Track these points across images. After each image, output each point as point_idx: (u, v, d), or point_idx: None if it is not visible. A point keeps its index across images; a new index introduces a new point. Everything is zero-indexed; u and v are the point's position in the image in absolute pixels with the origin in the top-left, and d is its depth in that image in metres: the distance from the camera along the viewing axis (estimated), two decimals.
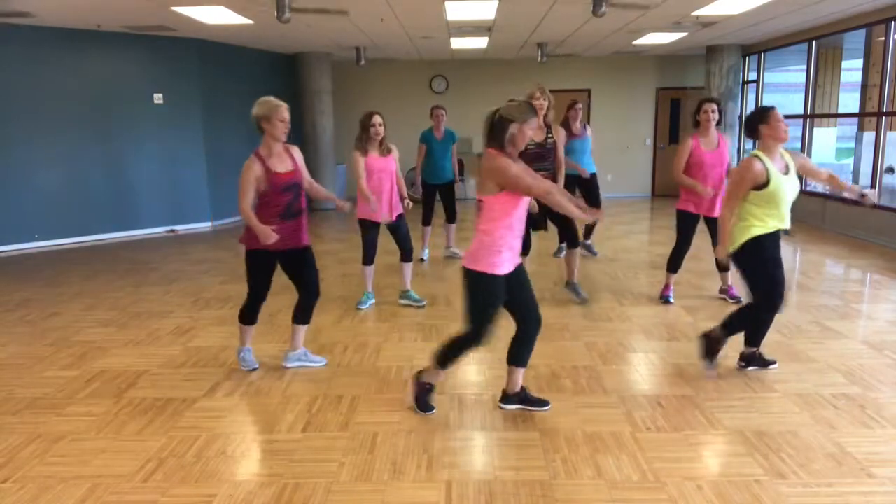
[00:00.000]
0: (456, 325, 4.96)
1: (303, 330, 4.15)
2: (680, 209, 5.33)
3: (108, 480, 2.85)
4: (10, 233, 8.26)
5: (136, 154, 9.20)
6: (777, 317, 5.00)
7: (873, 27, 8.81)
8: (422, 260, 7.25)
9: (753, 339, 3.98)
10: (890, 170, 10.28)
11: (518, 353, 3.42)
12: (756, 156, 3.68)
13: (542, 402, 3.51)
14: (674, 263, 5.47)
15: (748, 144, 12.13)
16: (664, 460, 2.96)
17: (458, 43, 10.37)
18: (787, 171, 3.71)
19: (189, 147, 9.66)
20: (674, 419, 3.37)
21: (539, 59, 10.98)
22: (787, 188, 3.66)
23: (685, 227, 5.33)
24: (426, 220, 7.30)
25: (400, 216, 5.39)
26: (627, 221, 10.16)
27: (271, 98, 3.82)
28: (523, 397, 3.49)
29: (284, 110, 3.78)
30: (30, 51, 8.18)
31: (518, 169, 3.06)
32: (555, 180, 5.11)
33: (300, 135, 11.24)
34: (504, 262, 3.13)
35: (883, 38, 8.79)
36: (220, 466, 2.96)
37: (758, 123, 3.70)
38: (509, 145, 3.09)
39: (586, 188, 7.14)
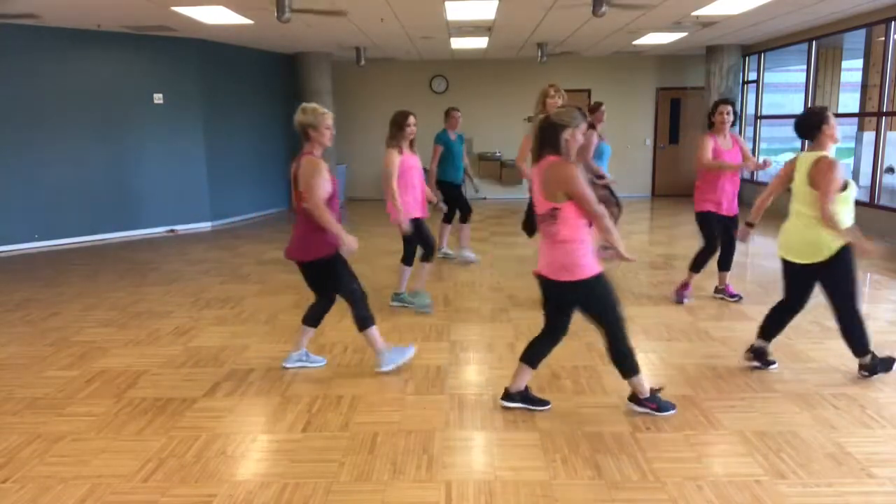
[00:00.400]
0: (457, 324, 4.97)
1: (310, 332, 4.15)
2: (701, 211, 5.32)
3: (108, 480, 2.85)
4: (10, 233, 8.26)
5: (137, 154, 9.20)
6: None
7: (873, 27, 8.81)
8: (450, 256, 7.25)
9: (864, 344, 3.86)
10: (890, 170, 10.28)
11: (536, 355, 3.46)
12: (832, 160, 3.59)
13: (543, 402, 3.51)
14: (699, 264, 5.42)
15: (749, 144, 12.13)
16: (664, 460, 2.96)
17: (458, 43, 10.37)
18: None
19: (189, 147, 9.66)
20: (674, 419, 3.37)
21: (539, 59, 10.98)
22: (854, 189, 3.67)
23: (710, 227, 5.31)
24: (448, 219, 7.28)
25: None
26: (627, 221, 10.16)
27: (317, 106, 3.86)
28: (525, 396, 3.50)
29: (330, 118, 3.86)
30: (30, 51, 8.18)
31: (584, 181, 3.09)
32: None
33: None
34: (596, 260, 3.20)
35: (883, 38, 8.79)
36: (220, 466, 2.96)
37: (821, 124, 3.66)
38: (563, 152, 3.08)
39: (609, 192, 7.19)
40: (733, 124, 5.28)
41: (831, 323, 4.89)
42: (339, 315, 5.26)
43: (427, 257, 5.39)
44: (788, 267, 3.84)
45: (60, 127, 8.49)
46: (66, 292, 6.15)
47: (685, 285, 5.55)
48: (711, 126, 5.29)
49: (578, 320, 5.06)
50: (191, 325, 5.10)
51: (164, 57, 9.27)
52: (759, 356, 4.01)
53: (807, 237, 3.69)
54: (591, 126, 6.85)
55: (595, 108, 6.88)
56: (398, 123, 5.17)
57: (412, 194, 5.21)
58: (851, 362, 4.11)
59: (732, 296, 5.51)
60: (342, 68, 12.30)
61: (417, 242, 5.33)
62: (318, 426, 3.35)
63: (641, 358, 4.24)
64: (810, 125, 3.71)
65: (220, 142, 10.01)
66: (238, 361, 4.28)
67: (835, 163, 3.57)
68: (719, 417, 3.38)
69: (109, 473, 2.91)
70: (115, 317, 5.34)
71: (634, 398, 3.41)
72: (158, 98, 9.31)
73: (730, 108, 5.23)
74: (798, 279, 3.82)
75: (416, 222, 5.25)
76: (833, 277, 3.70)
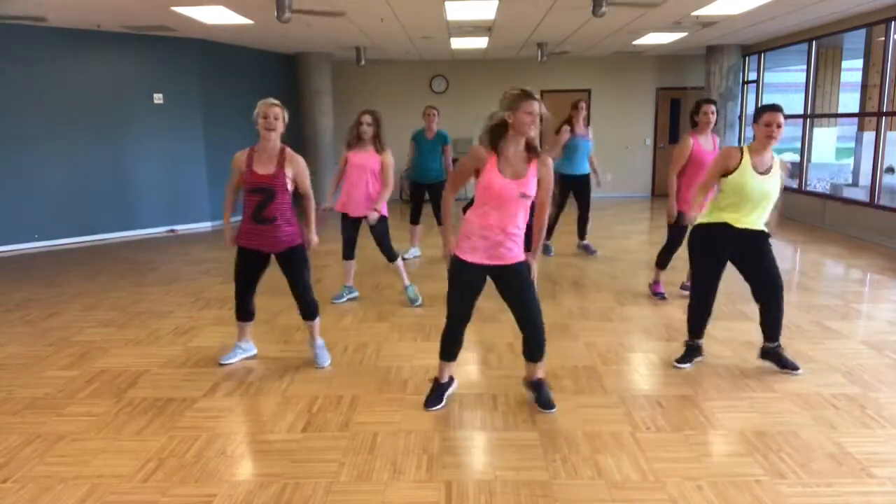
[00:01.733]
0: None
1: (310, 325, 4.22)
2: (679, 210, 5.32)
3: (108, 480, 2.85)
4: (10, 233, 8.25)
5: (137, 154, 9.20)
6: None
7: (873, 27, 8.81)
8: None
9: (689, 327, 4.07)
10: (890, 170, 10.28)
11: (524, 350, 3.51)
12: (741, 147, 3.75)
13: (551, 404, 3.49)
14: (664, 260, 5.61)
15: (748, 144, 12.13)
16: (664, 460, 2.96)
17: (458, 43, 10.37)
18: (765, 173, 3.71)
19: (189, 147, 9.65)
20: (674, 419, 3.37)
21: (539, 59, 10.98)
22: (756, 186, 3.68)
23: (680, 227, 5.26)
24: (414, 219, 7.31)
25: (381, 218, 5.32)
26: (627, 221, 10.16)
27: (267, 98, 3.84)
28: (534, 387, 3.55)
29: (266, 106, 3.78)
30: (30, 51, 8.18)
31: (468, 161, 3.22)
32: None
33: (300, 135, 11.23)
34: (474, 250, 3.26)
35: (883, 38, 8.79)
36: (220, 466, 2.96)
37: (755, 118, 3.74)
38: (502, 137, 3.15)
39: (584, 189, 7.28)
40: (715, 124, 5.27)
41: (832, 323, 4.91)
42: (340, 315, 5.27)
43: (386, 259, 5.55)
44: None
45: (60, 127, 8.49)
46: (66, 292, 6.15)
47: (657, 282, 5.70)
48: (695, 126, 5.26)
49: (579, 320, 5.07)
50: (191, 325, 5.09)
51: (164, 57, 9.27)
52: (690, 351, 4.10)
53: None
54: (568, 122, 7.00)
55: (573, 106, 7.00)
56: (354, 121, 5.33)
57: (347, 191, 5.30)
58: (851, 362, 4.12)
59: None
60: (342, 68, 12.29)
61: (345, 237, 5.49)
62: (318, 426, 3.34)
63: (641, 358, 4.26)
64: (754, 118, 3.81)
65: (220, 142, 9.99)
66: (238, 361, 4.27)
67: (731, 149, 3.81)
68: (719, 417, 3.38)
69: (109, 473, 2.91)
70: (115, 317, 5.34)
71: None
72: (158, 98, 9.30)
73: (714, 107, 5.21)
74: None
75: (351, 219, 5.40)
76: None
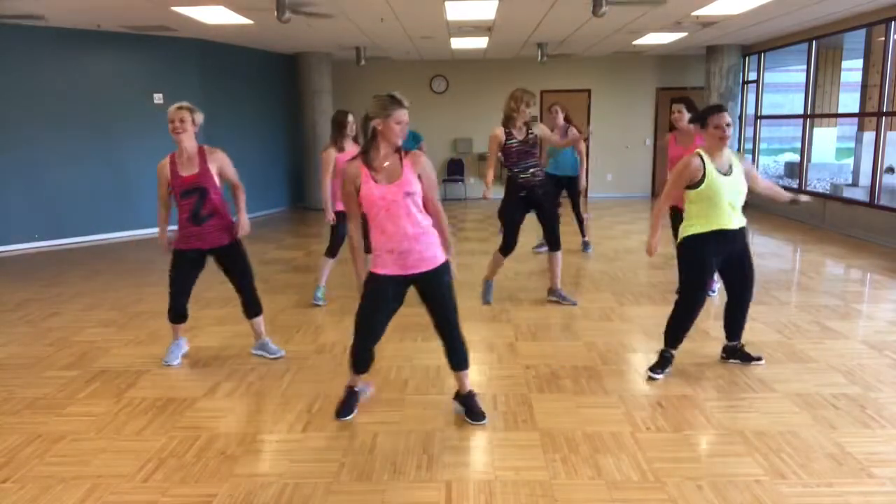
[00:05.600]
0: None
1: (256, 322, 4.27)
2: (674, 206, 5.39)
3: (108, 480, 2.85)
4: (10, 233, 8.26)
5: (137, 154, 9.20)
6: (777, 316, 5.04)
7: (873, 27, 8.81)
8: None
9: (668, 337, 3.97)
10: (890, 170, 10.27)
11: (448, 360, 3.41)
12: (698, 153, 3.72)
13: (480, 415, 3.40)
14: None
15: (748, 144, 12.14)
16: (664, 460, 2.96)
17: (458, 43, 10.37)
18: (728, 172, 3.71)
19: None
20: (674, 419, 3.37)
21: (539, 59, 10.98)
22: (726, 188, 3.68)
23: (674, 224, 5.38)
24: None
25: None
26: (627, 221, 10.16)
27: (180, 102, 3.91)
28: (464, 401, 3.47)
29: (172, 111, 3.84)
30: (30, 51, 8.18)
31: (345, 184, 3.10)
32: (541, 170, 5.28)
33: (300, 135, 11.24)
34: (382, 264, 3.14)
35: (883, 38, 8.79)
36: (220, 466, 2.96)
37: (702, 124, 3.72)
38: (373, 144, 3.07)
39: (569, 189, 7.42)
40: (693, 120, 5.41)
41: (832, 323, 4.91)
42: (339, 315, 5.27)
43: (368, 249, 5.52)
44: None
45: (60, 127, 8.49)
46: (66, 292, 6.15)
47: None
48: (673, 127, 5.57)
49: (579, 320, 5.07)
50: (191, 324, 5.09)
51: (164, 57, 9.27)
52: (662, 361, 3.99)
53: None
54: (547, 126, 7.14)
55: (548, 108, 7.27)
56: (339, 122, 5.30)
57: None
58: (851, 362, 4.12)
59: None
60: (342, 68, 12.29)
61: (337, 235, 5.45)
62: (318, 426, 3.34)
63: (641, 358, 4.26)
64: (701, 120, 3.77)
65: (219, 142, 9.90)
66: (238, 361, 4.28)
67: (690, 160, 3.71)
68: (719, 417, 3.38)
69: (109, 473, 2.91)
70: (115, 317, 5.34)
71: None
72: (158, 98, 9.30)
73: (681, 105, 5.40)
74: None
75: (341, 216, 5.34)
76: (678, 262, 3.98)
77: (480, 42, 10.28)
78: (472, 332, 4.81)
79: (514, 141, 5.09)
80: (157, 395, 3.75)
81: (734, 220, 3.74)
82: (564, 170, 7.30)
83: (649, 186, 13.36)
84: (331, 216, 5.31)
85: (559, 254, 5.40)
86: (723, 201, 3.67)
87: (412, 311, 5.34)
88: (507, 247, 5.33)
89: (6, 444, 3.19)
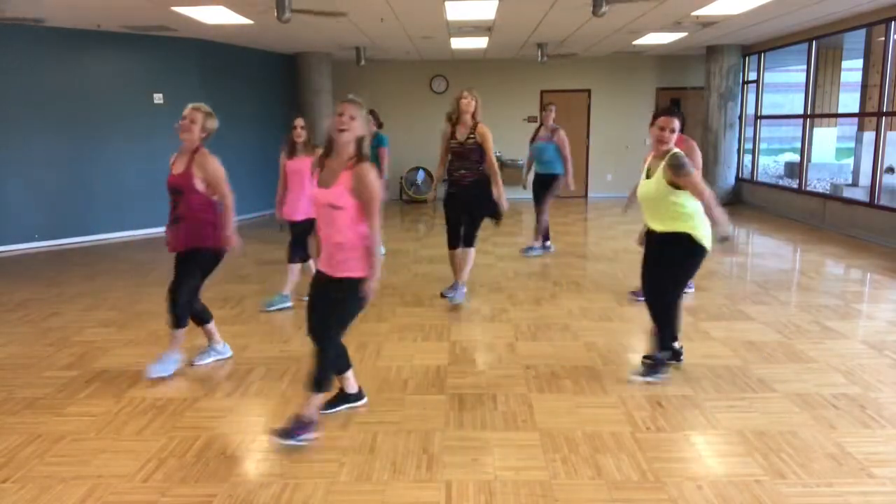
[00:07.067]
0: (457, 324, 4.97)
1: (174, 334, 4.04)
2: None
3: (108, 480, 2.85)
4: (10, 233, 8.25)
5: (137, 154, 9.20)
6: (777, 316, 5.04)
7: (873, 27, 8.81)
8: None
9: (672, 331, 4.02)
10: (890, 170, 10.28)
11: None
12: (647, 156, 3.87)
13: (359, 396, 3.51)
14: None
15: (748, 144, 12.14)
16: (664, 460, 2.96)
17: (458, 43, 10.37)
18: (648, 175, 3.76)
19: None
20: (674, 419, 3.37)
21: (539, 59, 10.98)
22: (640, 189, 3.78)
23: None
24: None
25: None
26: (627, 221, 10.15)
27: (198, 103, 3.91)
28: (342, 397, 3.50)
29: (187, 109, 3.85)
30: (30, 50, 8.18)
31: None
32: (481, 179, 5.20)
33: None
34: (320, 259, 3.19)
35: (883, 38, 8.79)
36: (220, 466, 2.96)
37: (652, 122, 3.74)
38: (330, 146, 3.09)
39: (546, 187, 7.45)
40: (682, 129, 5.28)
41: (832, 323, 4.91)
42: None
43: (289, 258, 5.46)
44: None
45: (61, 127, 8.49)
46: (66, 292, 6.15)
47: None
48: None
49: (579, 320, 5.07)
50: (191, 324, 5.08)
51: (164, 57, 9.27)
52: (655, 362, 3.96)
53: None
54: (541, 125, 7.30)
55: (543, 108, 7.41)
56: (290, 127, 5.32)
57: (293, 197, 5.28)
58: (851, 362, 4.12)
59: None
60: (342, 68, 12.29)
61: (293, 241, 5.43)
62: (318, 426, 3.34)
63: (641, 358, 4.26)
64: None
65: (219, 141, 9.91)
66: (238, 361, 4.28)
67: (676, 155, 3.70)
68: (719, 417, 3.38)
69: (109, 473, 2.91)
70: (115, 317, 5.34)
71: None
72: (158, 98, 9.30)
73: (670, 120, 5.27)
74: None
75: (292, 225, 5.38)
76: None
77: (480, 42, 10.28)
78: (472, 333, 4.82)
79: (454, 142, 5.23)
80: (157, 395, 3.75)
81: (652, 222, 3.79)
82: (543, 168, 7.37)
83: None
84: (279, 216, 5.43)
85: (472, 251, 5.44)
86: (641, 202, 3.81)
87: (412, 312, 5.37)
88: (448, 241, 5.47)
89: (6, 444, 3.19)
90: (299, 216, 5.30)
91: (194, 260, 3.90)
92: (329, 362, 3.16)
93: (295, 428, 3.11)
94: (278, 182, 5.37)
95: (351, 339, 4.67)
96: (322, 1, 7.03)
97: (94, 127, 8.78)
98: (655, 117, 3.71)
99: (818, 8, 7.91)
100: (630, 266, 6.93)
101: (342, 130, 2.96)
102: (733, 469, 2.89)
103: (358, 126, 2.98)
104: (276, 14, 6.58)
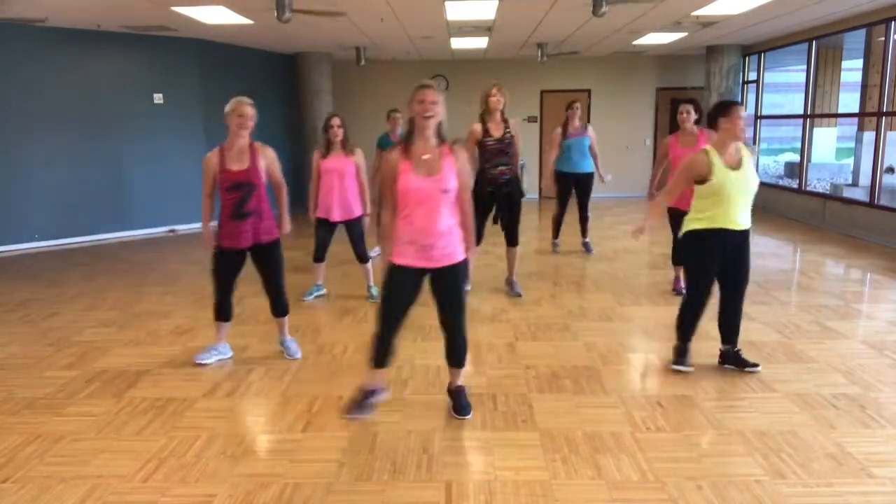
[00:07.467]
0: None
1: (281, 322, 4.31)
2: (671, 208, 5.44)
3: (108, 480, 2.85)
4: (10, 233, 8.25)
5: (137, 154, 9.20)
6: (777, 316, 5.04)
7: (873, 27, 8.81)
8: (371, 257, 7.39)
9: (680, 332, 4.05)
10: (890, 170, 10.28)
11: (446, 355, 3.41)
12: (705, 150, 3.73)
13: (467, 409, 3.45)
14: (677, 257, 5.73)
15: (748, 144, 12.13)
16: (664, 460, 2.96)
17: (458, 43, 10.36)
18: (738, 167, 3.70)
19: (189, 147, 9.64)
20: (674, 419, 3.37)
21: (539, 59, 10.98)
22: (734, 184, 3.67)
23: (677, 224, 5.40)
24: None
25: (357, 218, 5.49)
26: (627, 221, 10.15)
27: (238, 97, 3.91)
28: (454, 396, 3.51)
29: (243, 105, 3.85)
30: (30, 50, 8.18)
31: (385, 173, 3.11)
32: (514, 174, 5.42)
33: (300, 135, 11.23)
34: (404, 255, 3.11)
35: (883, 38, 8.79)
36: (220, 466, 2.96)
37: (718, 116, 3.71)
38: (410, 136, 3.14)
39: (581, 187, 7.42)
40: (698, 121, 5.47)
41: (832, 323, 4.91)
42: (339, 315, 5.27)
43: (358, 260, 5.65)
44: None
45: (60, 127, 8.49)
46: (66, 292, 6.15)
47: (677, 279, 5.81)
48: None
49: (579, 320, 5.07)
50: (191, 325, 5.09)
51: (164, 57, 9.27)
52: (681, 357, 4.04)
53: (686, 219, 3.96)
54: (564, 125, 7.26)
55: (567, 107, 7.32)
56: (323, 127, 5.37)
57: (328, 197, 5.33)
58: (851, 362, 4.12)
59: (678, 291, 5.70)
60: (342, 68, 12.29)
61: (320, 241, 5.51)
62: (318, 426, 3.34)
63: (641, 358, 4.26)
64: (711, 117, 3.76)
65: (220, 142, 9.95)
66: (238, 361, 4.28)
67: (696, 156, 3.73)
68: (719, 417, 3.38)
69: (109, 473, 2.91)
70: (115, 317, 5.34)
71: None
72: (158, 98, 9.30)
73: (690, 107, 5.46)
74: None
75: (322, 223, 5.43)
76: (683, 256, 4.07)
77: (480, 42, 10.28)
78: (473, 332, 4.81)
79: (491, 139, 5.27)
80: (157, 395, 3.75)
81: (740, 218, 3.73)
82: (578, 166, 7.32)
83: (649, 186, 13.34)
84: (313, 217, 5.43)
85: (516, 249, 5.74)
86: (728, 198, 3.67)
87: (412, 312, 5.36)
88: (507, 241, 5.75)
89: (6, 444, 3.19)
90: (334, 216, 5.38)
91: (278, 248, 4.08)
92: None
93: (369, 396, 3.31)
94: (311, 183, 5.39)
95: (351, 338, 4.67)
96: (322, 1, 7.03)
97: (94, 127, 8.78)
98: (726, 108, 3.67)
99: (818, 8, 7.91)
100: (630, 266, 6.93)
101: (430, 117, 3.03)
102: (733, 469, 2.89)
103: (441, 110, 3.08)
104: (276, 14, 6.58)
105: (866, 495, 2.67)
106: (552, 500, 2.67)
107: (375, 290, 5.68)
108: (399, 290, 3.17)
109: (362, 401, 3.33)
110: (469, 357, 3.50)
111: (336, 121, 5.28)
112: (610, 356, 4.30)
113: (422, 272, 3.16)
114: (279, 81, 11.40)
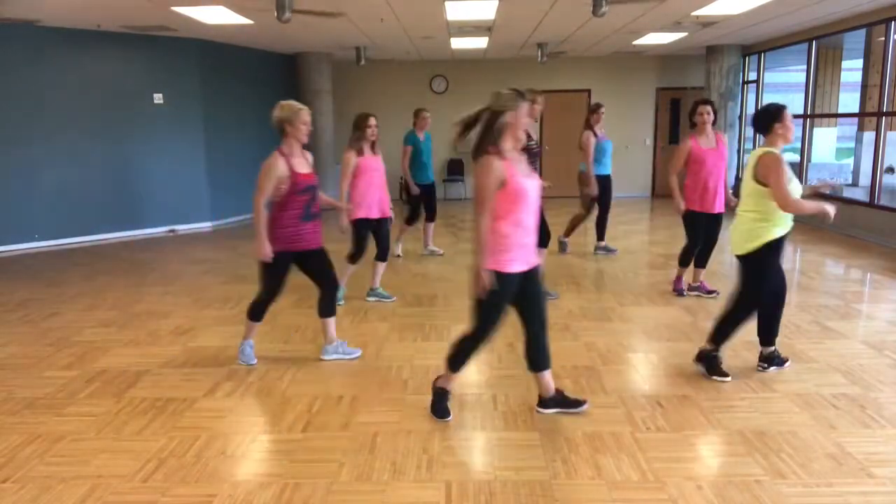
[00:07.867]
0: (457, 325, 4.96)
1: (331, 322, 4.25)
2: (685, 209, 5.46)
3: (108, 480, 2.85)
4: (10, 233, 8.25)
5: (137, 154, 9.20)
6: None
7: (873, 27, 8.81)
8: (398, 256, 7.44)
9: (767, 336, 3.98)
10: (890, 170, 10.28)
11: (533, 359, 3.35)
12: (775, 153, 3.67)
13: (579, 402, 3.45)
14: (685, 259, 5.67)
15: (748, 144, 12.13)
16: (664, 460, 2.96)
17: (458, 43, 10.37)
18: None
19: (189, 147, 9.65)
20: (674, 419, 3.37)
21: (539, 59, 10.98)
22: (796, 190, 3.68)
23: (692, 225, 5.50)
24: (412, 220, 7.39)
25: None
26: (627, 221, 10.16)
27: (293, 102, 3.97)
28: (559, 400, 3.44)
29: (306, 113, 3.95)
30: (30, 50, 8.18)
31: (490, 180, 2.95)
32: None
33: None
34: (514, 261, 3.07)
35: (883, 38, 8.79)
36: (220, 466, 2.96)
37: (773, 121, 3.70)
38: (503, 138, 2.99)
39: (610, 189, 7.50)
40: (715, 123, 5.43)
41: (832, 323, 4.91)
42: (340, 315, 5.26)
43: (380, 257, 5.59)
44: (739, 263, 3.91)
45: (60, 127, 8.49)
46: (66, 292, 6.15)
47: (678, 278, 5.77)
48: (694, 126, 5.46)
49: (579, 320, 5.07)
50: (191, 325, 5.09)
51: (164, 57, 9.27)
52: (770, 362, 4.00)
53: (740, 230, 3.81)
54: (589, 126, 7.15)
55: (594, 110, 7.20)
56: (359, 125, 5.31)
57: (372, 195, 5.32)
58: (851, 362, 4.12)
59: (709, 292, 5.67)
60: (342, 68, 12.30)
61: (365, 243, 5.43)
62: (318, 426, 3.34)
63: (641, 358, 4.26)
64: (765, 122, 3.76)
65: (220, 142, 10.00)
66: (238, 361, 4.27)
67: (779, 157, 3.66)
68: (719, 417, 3.38)
69: (109, 473, 2.91)
70: (115, 317, 5.34)
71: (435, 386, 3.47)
72: (158, 98, 9.30)
73: (709, 107, 5.38)
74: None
75: (372, 223, 5.40)
76: (744, 271, 3.84)
77: (480, 42, 10.28)
78: None
79: (533, 143, 5.18)
80: (157, 395, 3.75)
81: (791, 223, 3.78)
82: (608, 168, 7.37)
83: (649, 186, 13.36)
84: (346, 221, 5.21)
85: (544, 251, 5.53)
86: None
87: (412, 312, 5.37)
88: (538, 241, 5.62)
89: (6, 444, 3.19)
90: (375, 213, 5.38)
91: (327, 254, 4.14)
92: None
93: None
94: (343, 182, 5.23)
95: (350, 339, 4.67)
96: (322, 1, 7.03)
97: (94, 127, 8.78)
98: (780, 114, 3.70)
99: (818, 8, 7.91)
100: (630, 266, 6.93)
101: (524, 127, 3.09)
102: (733, 469, 2.89)
103: None
104: (276, 14, 6.58)
105: (866, 495, 2.67)
106: (552, 500, 2.67)
107: (382, 291, 5.66)
108: (509, 299, 3.16)
109: (444, 401, 3.41)
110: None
111: (373, 120, 5.29)
112: (610, 356, 4.30)
113: (522, 277, 3.14)
114: (279, 81, 11.40)
